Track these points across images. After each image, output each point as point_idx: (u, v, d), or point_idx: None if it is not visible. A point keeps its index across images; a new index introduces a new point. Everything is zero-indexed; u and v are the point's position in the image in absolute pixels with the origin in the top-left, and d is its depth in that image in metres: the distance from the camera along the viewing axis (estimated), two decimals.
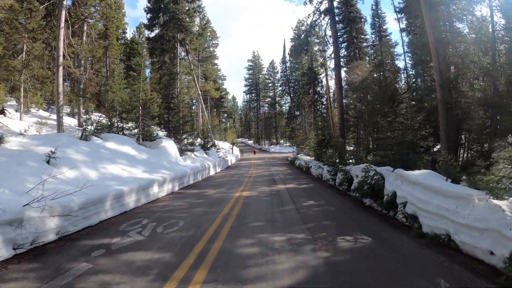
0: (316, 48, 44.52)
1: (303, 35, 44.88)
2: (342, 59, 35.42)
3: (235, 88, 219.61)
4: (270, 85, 78.63)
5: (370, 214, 7.65)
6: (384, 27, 36.07)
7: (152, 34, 36.99)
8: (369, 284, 3.65)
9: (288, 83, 67.17)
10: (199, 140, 25.34)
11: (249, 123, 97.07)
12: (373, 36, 37.20)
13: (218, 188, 12.88)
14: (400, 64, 33.10)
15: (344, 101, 21.90)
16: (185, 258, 4.50)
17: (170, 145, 16.21)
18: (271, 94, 78.35)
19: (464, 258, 4.35)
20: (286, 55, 67.92)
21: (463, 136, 13.95)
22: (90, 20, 25.34)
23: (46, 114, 27.76)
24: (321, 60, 43.44)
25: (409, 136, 8.17)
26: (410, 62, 32.90)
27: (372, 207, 8.46)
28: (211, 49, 53.42)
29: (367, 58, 34.50)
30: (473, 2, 14.63)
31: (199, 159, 19.89)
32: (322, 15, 21.06)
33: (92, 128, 13.80)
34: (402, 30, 33.21)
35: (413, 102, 11.88)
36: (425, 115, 10.18)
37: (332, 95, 43.40)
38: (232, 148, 42.75)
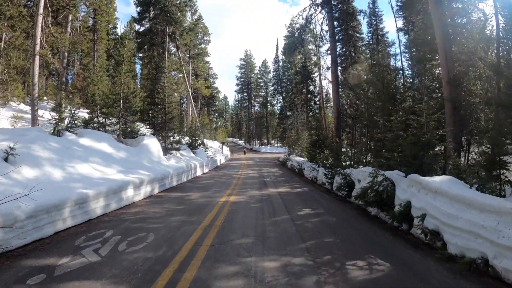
0: (310, 47, 43.54)
1: (297, 33, 43.88)
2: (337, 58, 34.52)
3: (227, 88, 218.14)
4: (262, 84, 77.45)
5: (379, 227, 6.48)
6: (381, 25, 35.07)
7: (142, 29, 35.68)
8: None
9: (281, 83, 66.03)
10: (186, 138, 24.02)
11: (240, 122, 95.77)
12: (369, 35, 36.25)
13: (203, 191, 11.61)
14: (397, 64, 32.38)
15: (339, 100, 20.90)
16: None
17: (152, 143, 14.88)
18: (262, 93, 77.18)
19: None
20: (279, 54, 66.69)
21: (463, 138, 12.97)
22: (72, 8, 23.79)
23: (27, 108, 26.12)
24: (315, 59, 42.39)
25: (426, 136, 6.99)
26: (407, 62, 32.32)
27: (379, 218, 7.31)
28: (203, 46, 52.08)
29: (362, 56, 33.79)
30: None
31: (185, 158, 18.59)
32: (319, 8, 19.93)
33: (66, 123, 12.51)
34: (399, 30, 32.42)
35: (425, 98, 10.81)
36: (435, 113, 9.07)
37: (324, 95, 42.44)
38: (221, 148, 41.42)
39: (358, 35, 36.15)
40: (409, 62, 31.68)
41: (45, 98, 29.91)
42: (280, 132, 67.18)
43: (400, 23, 31.38)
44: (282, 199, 9.67)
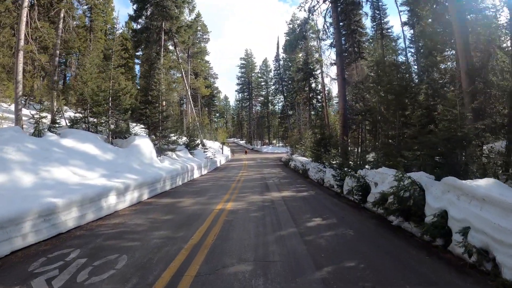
0: (312, 43, 42.36)
1: (298, 29, 42.72)
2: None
3: (228, 89, 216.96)
4: (263, 83, 76.19)
5: (407, 242, 5.26)
6: (385, 19, 33.79)
7: (139, 27, 34.52)
8: None
9: (282, 82, 64.72)
10: (184, 138, 22.82)
11: (241, 122, 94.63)
12: (373, 29, 34.97)
13: (198, 196, 10.38)
14: (402, 59, 31.15)
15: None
16: None
17: (144, 144, 13.67)
18: (263, 93, 75.94)
19: None
20: (280, 52, 65.48)
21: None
22: (61, 2, 22.55)
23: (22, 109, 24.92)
24: (317, 55, 41.18)
25: (463, 130, 5.73)
26: (412, 57, 31.17)
27: (404, 230, 6.09)
28: (202, 44, 50.92)
29: (366, 52, 32.52)
30: None
31: (182, 160, 17.38)
32: None
33: (47, 122, 11.46)
34: (403, 24, 31.25)
35: (452, 88, 9.66)
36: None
37: (327, 94, 41.16)
38: (222, 148, 40.19)
39: (361, 30, 34.99)
40: (415, 57, 30.62)
41: (43, 99, 28.72)
42: (282, 131, 65.98)
43: (404, 17, 30.25)
44: (287, 205, 8.43)
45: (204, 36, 51.09)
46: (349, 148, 15.72)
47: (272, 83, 72.30)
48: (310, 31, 42.61)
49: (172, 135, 20.29)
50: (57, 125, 12.12)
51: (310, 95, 40.41)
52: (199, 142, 25.45)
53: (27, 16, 16.13)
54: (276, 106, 74.10)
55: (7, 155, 7.61)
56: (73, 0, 25.95)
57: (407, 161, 7.96)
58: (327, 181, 12.46)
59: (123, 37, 45.60)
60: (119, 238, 5.57)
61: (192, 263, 4.16)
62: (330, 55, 29.66)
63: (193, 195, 10.56)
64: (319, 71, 40.76)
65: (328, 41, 31.56)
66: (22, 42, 15.18)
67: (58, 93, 23.11)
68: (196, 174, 17.65)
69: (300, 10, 44.01)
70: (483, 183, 4.58)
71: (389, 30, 34.07)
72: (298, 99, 44.90)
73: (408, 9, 29.56)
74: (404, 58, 29.61)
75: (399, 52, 30.82)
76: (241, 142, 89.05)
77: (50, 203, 5.95)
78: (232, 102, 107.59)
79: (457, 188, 4.89)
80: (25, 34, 15.81)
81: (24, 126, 14.25)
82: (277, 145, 68.84)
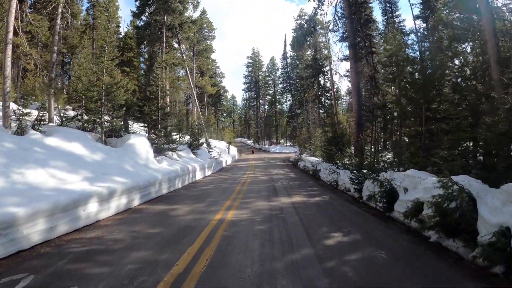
0: (320, 39, 40.89)
1: (306, 25, 41.34)
2: (347, 51, 31.79)
3: (235, 89, 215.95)
4: (270, 82, 74.90)
5: (457, 269, 3.97)
6: (397, 13, 32.29)
7: (142, 24, 33.61)
8: None
9: (289, 80, 63.34)
10: (187, 137, 21.65)
11: (248, 122, 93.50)
12: (383, 23, 33.46)
13: (197, 202, 9.14)
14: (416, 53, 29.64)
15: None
16: None
17: (140, 143, 12.51)
18: (271, 91, 74.64)
19: None
20: (287, 50, 64.09)
21: None
22: None
23: (14, 107, 24.05)
24: (326, 52, 39.72)
25: None
26: (425, 52, 29.48)
27: (448, 249, 4.80)
28: (208, 42, 49.77)
29: (377, 47, 31.06)
30: None
31: (183, 160, 16.20)
32: None
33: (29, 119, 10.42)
34: (416, 18, 29.76)
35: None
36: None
37: (335, 91, 39.67)
38: (228, 148, 39.00)
39: (371, 25, 33.47)
40: (428, 52, 29.08)
41: (45, 98, 27.83)
42: (290, 131, 64.63)
43: (416, 11, 28.82)
44: (298, 214, 7.14)
45: (210, 34, 49.96)
46: (364, 147, 14.37)
47: (279, 81, 71.01)
48: (319, 27, 41.22)
49: (174, 134, 19.16)
50: (43, 123, 11.02)
51: (319, 93, 38.95)
52: (203, 142, 24.25)
53: (16, 8, 15.09)
54: (283, 105, 72.96)
55: None
56: None
57: (443, 161, 6.65)
58: (342, 184, 11.15)
59: (128, 36, 44.90)
60: (87, 260, 4.37)
61: None
62: (341, 48, 28.24)
63: (191, 201, 9.32)
64: (328, 68, 39.34)
65: (338, 36, 29.93)
66: (10, 35, 14.04)
67: (55, 90, 22.11)
68: (199, 176, 16.45)
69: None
70: None
71: (401, 24, 32.63)
72: (307, 97, 43.45)
73: (421, 1, 28.15)
74: (416, 53, 28.28)
75: (411, 46, 29.55)
76: (249, 141, 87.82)
77: (7, 214, 4.80)
78: (239, 101, 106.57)
79: None
80: (14, 27, 14.79)
81: (13, 124, 13.19)
82: (285, 144, 67.49)
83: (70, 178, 7.85)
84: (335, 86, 39.04)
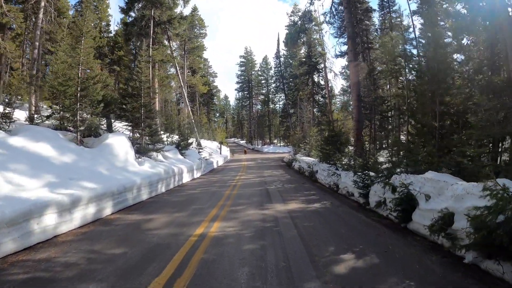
0: (314, 37, 39.73)
1: (300, 21, 40.24)
2: (343, 47, 30.69)
3: (228, 90, 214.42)
4: (263, 81, 73.73)
5: None
6: (394, 7, 31.27)
7: (130, 20, 32.25)
8: None
9: (282, 80, 62.23)
10: (176, 137, 20.35)
11: (241, 122, 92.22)
12: (379, 19, 32.48)
13: (178, 210, 7.89)
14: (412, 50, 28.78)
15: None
16: None
17: (118, 143, 11.22)
18: (264, 91, 73.48)
19: None
20: (280, 49, 63.04)
21: None
22: None
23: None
24: (320, 49, 38.62)
25: None
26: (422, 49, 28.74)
27: (490, 274, 3.70)
28: (199, 39, 48.40)
29: (374, 42, 30.10)
30: None
31: (169, 161, 14.92)
32: None
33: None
34: (413, 13, 28.85)
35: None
36: None
37: (329, 90, 38.56)
38: (220, 148, 37.71)
39: (367, 22, 32.45)
40: (424, 48, 28.14)
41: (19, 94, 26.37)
42: (283, 130, 63.54)
43: (414, 6, 27.85)
44: (296, 227, 5.93)
45: (201, 31, 48.63)
46: (364, 146, 13.24)
47: (272, 81, 69.93)
48: (313, 23, 40.11)
49: (162, 133, 17.90)
50: (9, 121, 9.71)
51: (314, 91, 37.82)
52: (192, 142, 22.95)
53: None
54: (277, 105, 71.81)
55: None
56: None
57: (468, 162, 5.52)
58: (344, 188, 9.99)
59: (119, 35, 43.42)
60: None
61: None
62: (338, 41, 27.04)
63: (172, 209, 8.07)
64: (322, 65, 38.25)
65: (336, 28, 28.69)
66: None
67: (35, 88, 20.72)
68: (186, 178, 15.19)
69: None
70: None
71: (398, 19, 31.67)
72: (301, 95, 42.27)
73: None
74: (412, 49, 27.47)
75: (409, 42, 28.73)
76: (242, 142, 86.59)
77: None
78: (232, 101, 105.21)
79: None
80: None
81: None
82: (279, 144, 66.41)
83: (29, 183, 6.57)
84: (330, 85, 38.02)
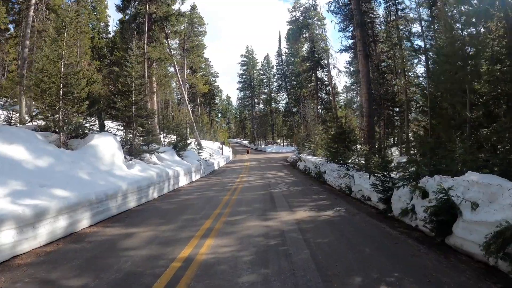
0: (317, 32, 38.52)
1: (302, 16, 39.09)
2: (347, 41, 29.43)
3: (230, 90, 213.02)
4: (265, 80, 72.54)
5: None
6: None
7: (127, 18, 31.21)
8: None
9: (285, 78, 61.08)
10: (174, 137, 19.19)
11: (243, 122, 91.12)
12: (384, 12, 31.12)
13: (167, 221, 6.68)
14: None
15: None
16: None
17: (105, 144, 10.07)
18: (266, 90, 72.36)
19: None
20: (282, 47, 61.88)
21: None
22: None
23: None
24: (323, 44, 37.38)
25: None
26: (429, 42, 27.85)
27: None
28: (199, 38, 47.22)
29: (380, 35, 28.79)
30: None
31: (165, 163, 13.78)
32: None
33: None
34: (419, 5, 27.60)
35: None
36: None
37: (333, 87, 37.27)
38: (221, 149, 36.54)
39: (372, 15, 31.12)
40: (432, 42, 26.96)
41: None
42: (286, 130, 62.34)
43: None
44: (309, 245, 4.72)
45: (201, 29, 47.47)
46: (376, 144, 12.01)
47: (274, 79, 68.63)
48: (315, 19, 38.94)
49: (160, 133, 16.77)
50: None
51: (317, 87, 36.55)
52: (191, 142, 21.82)
53: None
54: (279, 104, 70.56)
55: None
56: None
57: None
58: (358, 191, 8.77)
59: (118, 36, 42.43)
60: None
61: None
62: (343, 34, 25.66)
63: (159, 220, 6.89)
64: (325, 61, 36.98)
65: (340, 18, 27.28)
66: None
67: (27, 88, 19.64)
68: (183, 181, 14.02)
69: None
70: None
71: (404, 11, 30.35)
72: (305, 92, 41.00)
73: None
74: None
75: (416, 35, 27.51)
76: (244, 142, 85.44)
77: None
78: (234, 102, 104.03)
79: None
80: None
81: None
82: (282, 144, 65.26)
83: None
84: (333, 82, 36.74)
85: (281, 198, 9.28)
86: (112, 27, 68.16)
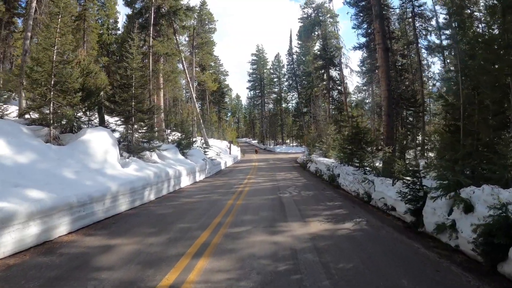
0: (329, 29, 37.35)
1: (314, 13, 37.94)
2: (363, 38, 28.20)
3: (240, 89, 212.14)
4: (275, 80, 71.47)
5: None
6: None
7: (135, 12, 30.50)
8: None
9: (295, 78, 59.90)
10: (178, 135, 18.28)
11: (253, 121, 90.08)
12: (400, 9, 29.80)
13: (156, 231, 5.65)
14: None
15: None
16: None
17: (98, 139, 9.16)
18: (276, 89, 71.27)
19: None
20: (293, 46, 60.74)
21: None
22: None
23: None
24: (335, 42, 36.21)
25: None
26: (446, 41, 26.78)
27: None
28: (209, 34, 46.34)
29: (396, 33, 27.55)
30: None
31: (167, 162, 12.86)
32: None
33: None
34: (435, 3, 26.36)
35: None
36: None
37: (345, 87, 36.04)
38: (229, 148, 35.57)
39: (386, 12, 29.80)
40: (451, 40, 25.70)
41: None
42: (296, 130, 61.17)
43: None
44: (329, 273, 3.60)
45: (210, 26, 46.60)
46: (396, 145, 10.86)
47: (285, 79, 67.55)
48: (328, 16, 37.82)
49: (164, 129, 15.86)
50: None
51: (330, 86, 35.35)
52: (196, 140, 20.88)
53: None
54: (289, 104, 69.47)
55: None
56: None
57: None
58: (379, 199, 7.67)
59: (126, 32, 41.92)
60: None
61: None
62: (358, 30, 24.58)
63: (150, 228, 5.90)
64: (337, 60, 35.78)
65: (355, 9, 26.08)
66: None
67: (22, 80, 18.91)
68: (186, 182, 13.07)
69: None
70: None
71: (421, 8, 29.00)
72: (316, 91, 39.79)
73: None
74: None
75: (434, 32, 26.34)
76: (253, 141, 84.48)
77: None
78: (244, 101, 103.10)
79: None
80: None
81: None
82: (291, 144, 64.11)
83: None
84: (345, 81, 35.52)
85: (292, 204, 8.23)
86: (122, 23, 67.83)
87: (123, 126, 12.81)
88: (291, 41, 61.83)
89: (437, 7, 25.92)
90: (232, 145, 38.61)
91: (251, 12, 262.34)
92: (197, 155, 17.90)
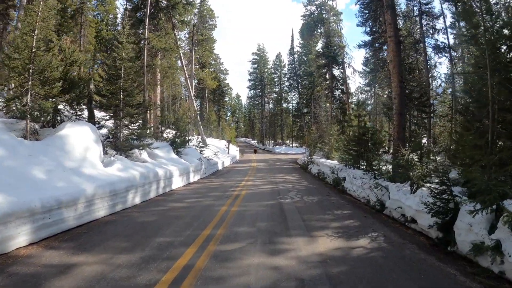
0: (332, 27, 36.33)
1: (317, 11, 36.97)
2: (368, 36, 27.26)
3: (240, 89, 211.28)
4: (276, 79, 70.47)
5: None
6: None
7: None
8: None
9: (296, 78, 59.05)
10: (173, 132, 17.32)
11: (253, 121, 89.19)
12: (406, 6, 28.90)
13: (130, 247, 4.62)
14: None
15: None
16: None
17: (77, 135, 8.17)
18: (277, 89, 70.28)
19: None
20: (295, 45, 59.87)
21: None
22: None
23: None
24: (338, 41, 35.21)
25: None
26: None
27: None
28: (209, 31, 45.39)
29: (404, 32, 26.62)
30: None
31: (158, 161, 11.88)
32: None
33: None
34: (444, 1, 25.49)
35: None
36: None
37: (347, 86, 35.06)
38: (228, 147, 34.60)
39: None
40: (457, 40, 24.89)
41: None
42: (296, 130, 60.25)
43: None
44: None
45: (211, 23, 45.65)
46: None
47: (285, 79, 66.60)
48: (331, 13, 36.82)
49: (158, 126, 14.88)
50: None
51: (333, 85, 34.32)
52: (191, 138, 19.90)
53: None
54: (290, 104, 68.51)
55: None
56: None
57: None
58: (394, 208, 6.67)
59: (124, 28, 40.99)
60: None
61: None
62: (363, 30, 23.76)
63: (122, 242, 4.90)
64: (340, 58, 34.76)
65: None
66: None
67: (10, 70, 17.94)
68: (178, 183, 12.08)
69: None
70: None
71: (428, 6, 28.09)
72: (318, 90, 38.74)
73: None
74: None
75: (441, 31, 25.56)
76: (253, 141, 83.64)
77: None
78: (244, 101, 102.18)
79: None
80: None
81: None
82: (291, 145, 63.21)
83: None
84: (348, 81, 34.54)
85: (295, 213, 7.23)
86: (121, 19, 66.93)
87: (111, 121, 11.86)
88: (292, 40, 61.04)
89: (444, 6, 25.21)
90: (230, 144, 37.64)
91: (252, 11, 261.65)
92: (193, 154, 16.92)
